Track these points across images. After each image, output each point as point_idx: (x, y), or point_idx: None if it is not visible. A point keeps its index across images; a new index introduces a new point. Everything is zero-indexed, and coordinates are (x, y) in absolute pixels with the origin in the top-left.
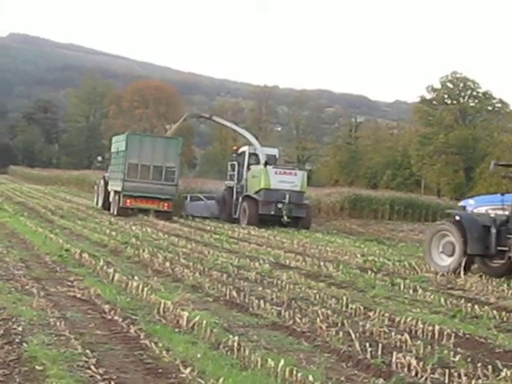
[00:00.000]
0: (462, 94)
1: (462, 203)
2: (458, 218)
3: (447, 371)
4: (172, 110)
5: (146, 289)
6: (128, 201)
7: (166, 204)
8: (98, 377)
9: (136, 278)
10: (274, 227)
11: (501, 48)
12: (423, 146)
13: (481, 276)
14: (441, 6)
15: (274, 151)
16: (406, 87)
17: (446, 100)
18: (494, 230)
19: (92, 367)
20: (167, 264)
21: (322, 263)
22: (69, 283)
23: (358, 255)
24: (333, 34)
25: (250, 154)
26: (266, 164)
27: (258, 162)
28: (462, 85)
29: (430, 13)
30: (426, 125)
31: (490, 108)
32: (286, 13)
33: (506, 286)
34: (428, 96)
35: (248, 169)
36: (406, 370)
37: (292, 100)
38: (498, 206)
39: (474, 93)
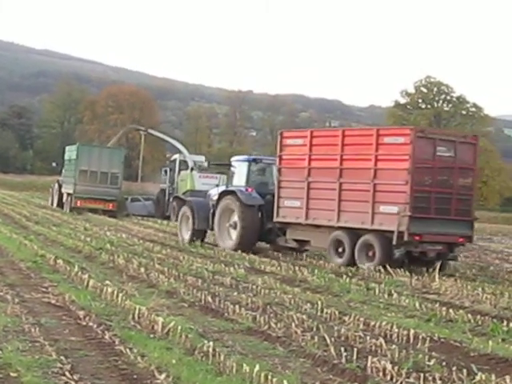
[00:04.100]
0: (436, 99)
1: (209, 192)
2: (190, 202)
3: (422, 375)
4: (147, 115)
5: (120, 294)
6: (78, 201)
7: (111, 204)
8: (73, 383)
9: (111, 283)
10: None
11: (474, 52)
12: None
13: (456, 280)
14: (414, 11)
15: (201, 158)
16: (380, 92)
17: (420, 104)
18: (211, 211)
19: (67, 373)
20: (142, 270)
21: (297, 268)
22: (43, 289)
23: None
24: (307, 39)
25: (181, 161)
26: (191, 169)
27: (187, 168)
28: (436, 89)
29: (403, 17)
30: None
31: (464, 112)
32: (259, 18)
33: (480, 289)
34: (402, 100)
35: (179, 174)
36: (381, 374)
37: (266, 105)
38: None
39: (448, 97)
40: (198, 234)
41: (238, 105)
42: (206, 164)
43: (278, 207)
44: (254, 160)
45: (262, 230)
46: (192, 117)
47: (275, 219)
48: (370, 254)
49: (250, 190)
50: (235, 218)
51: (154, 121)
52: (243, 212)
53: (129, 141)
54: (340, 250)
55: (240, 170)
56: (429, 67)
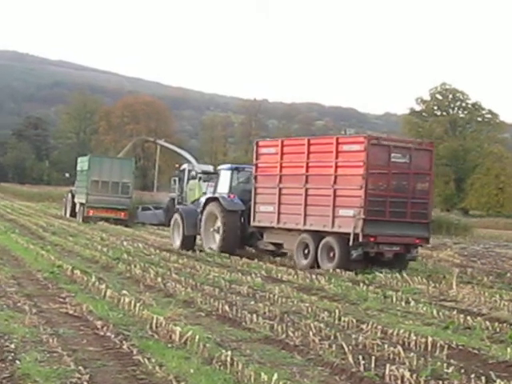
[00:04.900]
0: (452, 106)
1: (200, 199)
2: (179, 210)
3: (441, 383)
4: (162, 125)
5: (138, 304)
6: (91, 211)
7: (122, 213)
8: None
9: (128, 293)
10: None
11: (490, 59)
12: None
13: (473, 287)
14: (429, 18)
15: (210, 167)
16: (395, 99)
17: (435, 111)
18: (199, 218)
19: None
20: (159, 279)
21: (313, 276)
22: (61, 300)
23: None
24: (322, 47)
25: (189, 171)
26: (199, 179)
27: (195, 177)
28: (451, 96)
29: (418, 25)
30: (416, 136)
31: (479, 119)
32: (274, 26)
33: (498, 296)
34: (417, 108)
35: (187, 183)
36: (399, 382)
37: (281, 113)
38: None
39: (464, 104)
40: (188, 240)
41: (253, 113)
42: (194, 173)
43: (255, 212)
44: (237, 168)
45: (244, 234)
46: (207, 126)
47: (252, 223)
48: (331, 255)
49: (232, 196)
50: (219, 222)
51: (170, 130)
52: (225, 217)
53: (144, 151)
54: (306, 252)
55: (224, 178)
56: (444, 74)
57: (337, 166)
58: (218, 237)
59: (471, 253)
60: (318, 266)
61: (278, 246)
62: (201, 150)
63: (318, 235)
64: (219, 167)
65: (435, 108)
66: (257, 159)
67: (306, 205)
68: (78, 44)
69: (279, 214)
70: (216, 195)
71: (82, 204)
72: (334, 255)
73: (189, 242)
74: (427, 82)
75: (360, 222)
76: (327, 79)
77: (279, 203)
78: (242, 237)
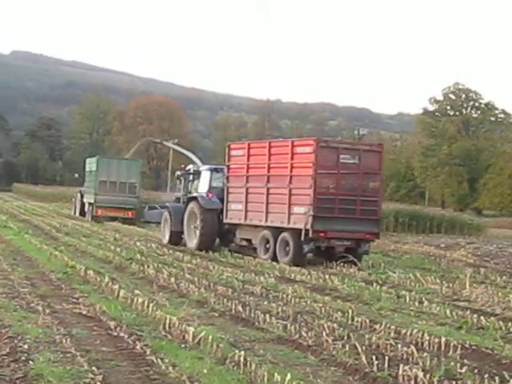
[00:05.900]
0: (465, 105)
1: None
2: (168, 207)
3: (454, 383)
4: (176, 125)
5: (151, 305)
6: (99, 210)
7: (129, 212)
8: None
9: (141, 293)
10: None
11: (503, 58)
12: (427, 157)
13: (486, 287)
14: (443, 18)
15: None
16: (408, 99)
17: (448, 111)
18: (185, 216)
19: None
20: (172, 279)
21: (327, 276)
22: (74, 300)
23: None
24: (335, 47)
25: (194, 171)
26: None
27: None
28: (464, 96)
29: (431, 25)
30: (429, 136)
31: (492, 119)
32: (288, 27)
33: (511, 296)
34: (431, 108)
35: (192, 183)
36: (412, 382)
37: (295, 113)
38: None
39: (477, 104)
40: (176, 235)
41: (266, 114)
42: (179, 173)
43: (227, 210)
44: (216, 169)
45: (221, 231)
46: (221, 126)
47: (224, 221)
48: (287, 249)
49: (210, 195)
50: (198, 220)
51: (183, 131)
52: (203, 215)
53: (157, 151)
54: (268, 246)
55: (204, 178)
56: (457, 74)
57: (292, 167)
58: (198, 234)
59: (484, 253)
60: (277, 260)
61: (249, 241)
62: (214, 150)
63: (277, 231)
64: (201, 168)
65: (448, 108)
66: (228, 161)
67: (267, 203)
68: (92, 45)
69: (246, 211)
70: (195, 194)
71: (90, 204)
72: (289, 249)
73: (176, 238)
74: (440, 81)
75: (310, 219)
76: (340, 79)
77: (246, 202)
78: (220, 234)
